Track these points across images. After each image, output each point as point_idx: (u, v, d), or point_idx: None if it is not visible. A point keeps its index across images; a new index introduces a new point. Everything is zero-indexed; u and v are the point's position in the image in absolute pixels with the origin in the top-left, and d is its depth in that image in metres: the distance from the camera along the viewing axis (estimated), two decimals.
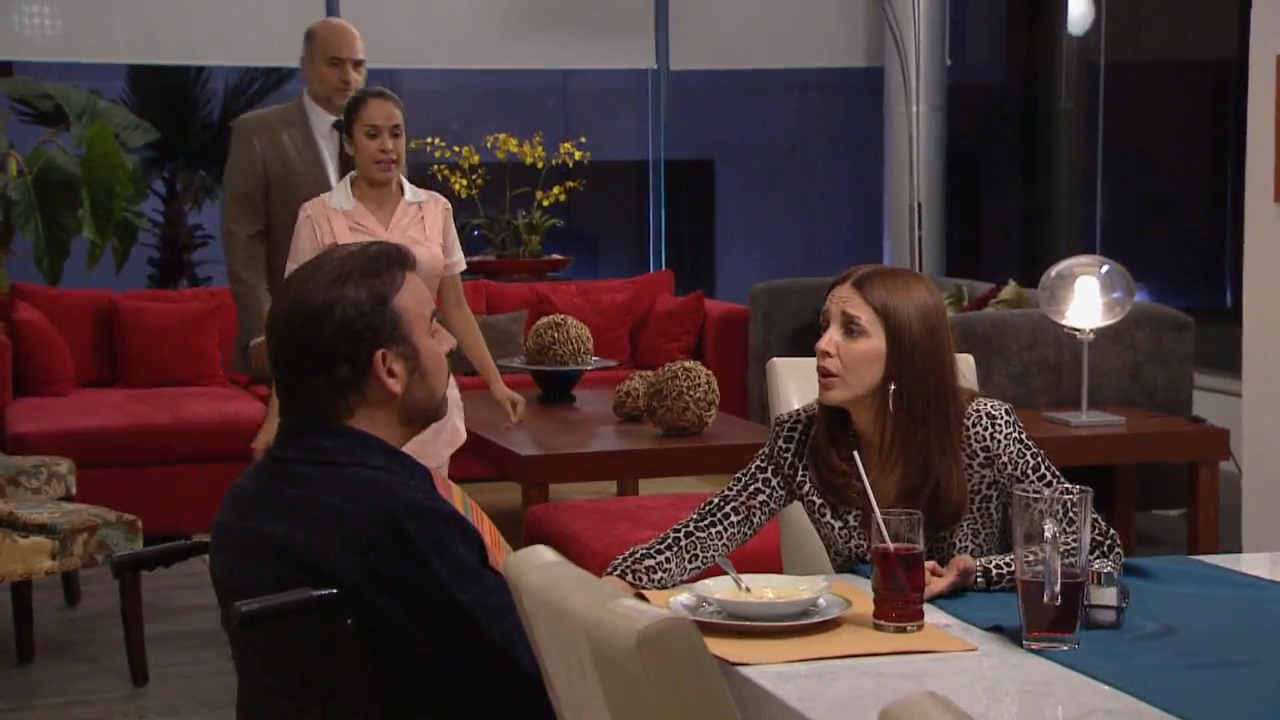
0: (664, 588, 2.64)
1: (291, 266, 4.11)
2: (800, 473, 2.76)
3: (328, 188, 4.67)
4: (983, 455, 2.66)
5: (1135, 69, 9.33)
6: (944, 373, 2.65)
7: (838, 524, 2.73)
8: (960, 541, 2.67)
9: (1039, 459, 2.66)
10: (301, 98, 5.05)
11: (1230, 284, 8.50)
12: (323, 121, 4.95)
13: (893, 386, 2.62)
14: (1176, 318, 6.14)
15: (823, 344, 2.66)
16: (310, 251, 4.11)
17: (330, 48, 4.97)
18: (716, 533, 2.72)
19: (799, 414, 2.79)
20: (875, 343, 2.62)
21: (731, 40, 9.37)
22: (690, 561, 2.70)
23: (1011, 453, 2.65)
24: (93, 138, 7.57)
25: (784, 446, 2.77)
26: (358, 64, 4.99)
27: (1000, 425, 2.66)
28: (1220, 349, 6.48)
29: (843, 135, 11.43)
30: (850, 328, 2.64)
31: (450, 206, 4.51)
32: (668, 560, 2.67)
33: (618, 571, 2.66)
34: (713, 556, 2.71)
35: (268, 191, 4.91)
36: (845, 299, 2.65)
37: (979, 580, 2.52)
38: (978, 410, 2.67)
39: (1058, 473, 2.66)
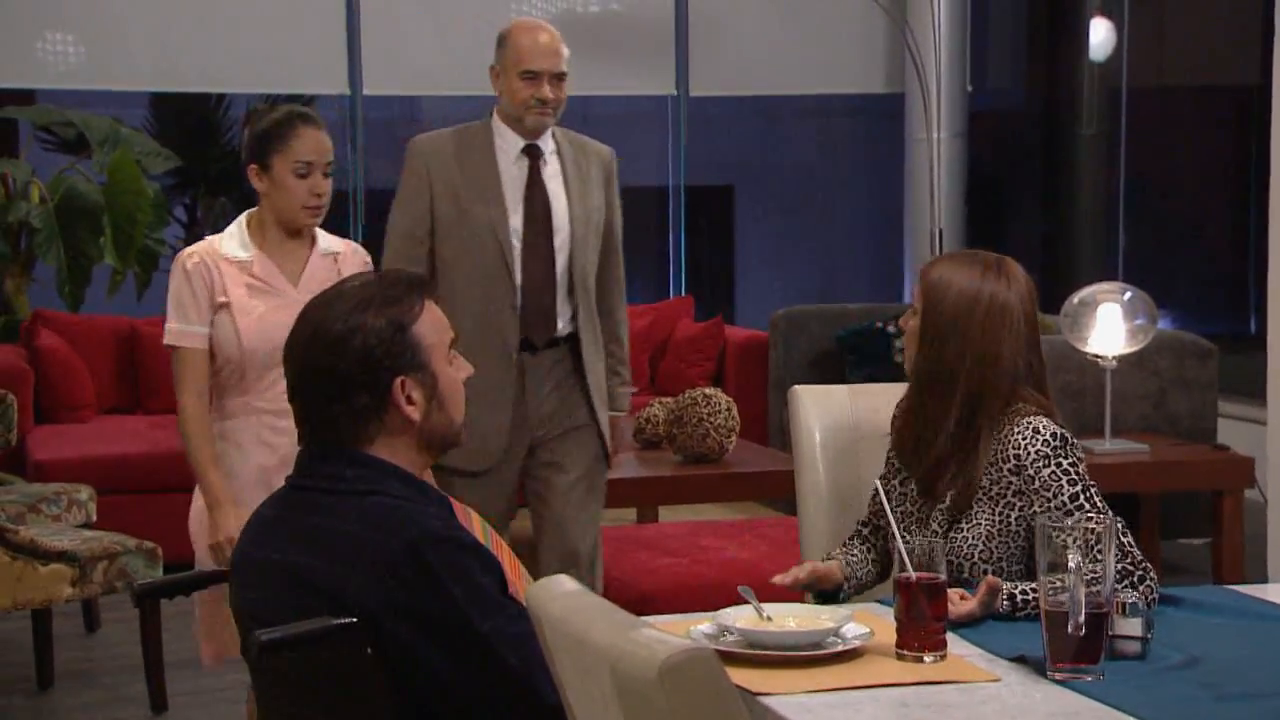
0: (849, 569, 2.86)
1: (174, 327, 3.55)
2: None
3: (504, 227, 4.11)
4: (1013, 461, 2.68)
5: (1157, 95, 9.32)
6: (972, 358, 2.69)
7: (889, 484, 2.83)
8: (971, 541, 2.69)
9: (1078, 487, 2.63)
10: (491, 116, 4.25)
11: (1254, 310, 8.48)
12: (511, 146, 4.20)
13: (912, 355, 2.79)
14: (1200, 344, 6.11)
15: (901, 322, 2.90)
16: (195, 312, 3.52)
17: (524, 58, 4.11)
18: (865, 549, 2.93)
19: None
20: (918, 321, 2.78)
21: (752, 66, 9.38)
22: (869, 553, 2.91)
23: (1041, 470, 2.64)
24: (114, 165, 7.61)
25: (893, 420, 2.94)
26: (559, 78, 4.16)
27: (1038, 442, 2.66)
28: (1244, 376, 6.45)
29: (863, 161, 11.43)
30: (913, 307, 2.82)
31: (370, 259, 3.75)
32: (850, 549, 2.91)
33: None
34: (869, 570, 2.90)
35: (433, 229, 4.13)
36: (919, 280, 2.82)
37: (1004, 604, 2.51)
38: (1028, 421, 2.69)
39: (1100, 505, 2.62)
